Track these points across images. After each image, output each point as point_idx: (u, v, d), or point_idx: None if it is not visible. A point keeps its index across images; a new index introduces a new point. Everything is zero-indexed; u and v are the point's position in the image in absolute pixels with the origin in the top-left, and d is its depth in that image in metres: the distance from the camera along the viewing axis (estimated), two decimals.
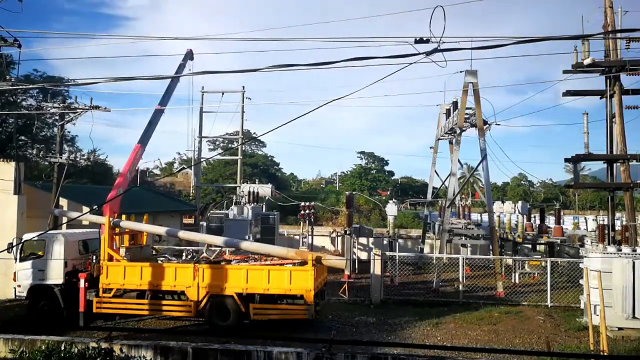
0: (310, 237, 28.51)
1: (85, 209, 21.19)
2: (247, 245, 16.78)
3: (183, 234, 18.08)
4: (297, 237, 30.50)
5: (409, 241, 33.43)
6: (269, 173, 66.64)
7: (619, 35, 17.23)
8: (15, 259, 16.19)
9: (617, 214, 23.38)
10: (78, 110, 21.24)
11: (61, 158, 20.91)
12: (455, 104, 22.61)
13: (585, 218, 37.61)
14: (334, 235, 29.95)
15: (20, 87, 23.43)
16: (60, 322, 15.64)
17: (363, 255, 27.54)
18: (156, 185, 55.27)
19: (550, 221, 29.35)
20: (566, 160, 20.18)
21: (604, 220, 20.98)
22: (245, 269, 14.74)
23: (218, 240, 17.32)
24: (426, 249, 30.06)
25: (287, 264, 15.18)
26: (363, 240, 28.84)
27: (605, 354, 11.51)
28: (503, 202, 31.82)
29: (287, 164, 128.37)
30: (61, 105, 22.62)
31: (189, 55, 24.01)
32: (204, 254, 17.31)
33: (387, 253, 23.51)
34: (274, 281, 14.46)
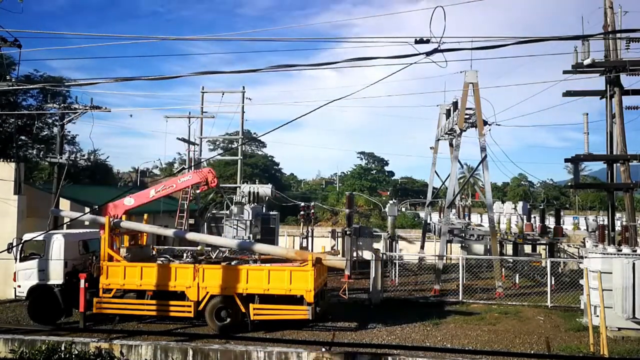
0: (310, 238, 28.49)
1: (86, 209, 21.18)
2: (259, 247, 16.65)
3: (192, 236, 17.94)
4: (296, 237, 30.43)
5: (409, 241, 33.42)
6: (269, 173, 66.65)
7: (619, 35, 17.23)
8: (16, 259, 16.17)
9: (617, 215, 23.37)
10: (78, 110, 21.26)
11: (61, 158, 20.90)
12: (455, 104, 22.59)
13: (585, 219, 37.63)
14: (333, 246, 29.67)
15: (21, 87, 23.43)
16: (60, 322, 15.65)
17: (364, 256, 27.51)
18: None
19: (551, 221, 29.36)
20: (566, 160, 20.19)
21: (603, 220, 20.99)
22: (245, 270, 14.73)
23: (232, 242, 17.28)
24: (426, 250, 30.05)
25: (288, 264, 15.18)
26: (367, 253, 28.59)
27: (605, 355, 11.52)
28: (503, 202, 31.81)
29: (288, 164, 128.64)
30: (61, 105, 22.64)
31: None
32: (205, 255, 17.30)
33: (387, 253, 23.54)
34: (274, 281, 14.44)
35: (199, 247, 18.73)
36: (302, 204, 28.97)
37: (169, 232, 18.08)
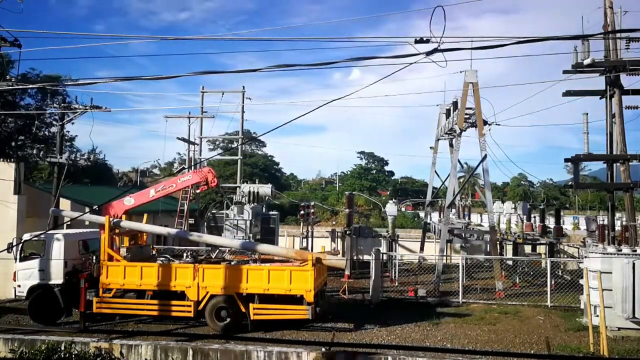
0: (310, 238, 28.50)
1: (86, 209, 21.17)
2: (261, 247, 16.63)
3: (193, 237, 17.84)
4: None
5: (408, 241, 33.40)
6: (269, 173, 66.70)
7: (618, 35, 17.22)
8: (15, 259, 16.17)
9: (617, 214, 23.37)
10: (78, 110, 21.25)
11: (61, 158, 20.89)
12: (455, 104, 22.59)
13: (586, 219, 37.55)
14: (334, 248, 29.65)
15: (21, 87, 23.42)
16: (60, 322, 15.65)
17: (364, 257, 27.53)
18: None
19: (551, 221, 29.37)
20: (566, 160, 20.18)
21: (603, 220, 20.99)
22: (245, 269, 14.73)
23: (234, 242, 17.21)
24: (426, 250, 30.04)
25: (288, 264, 15.18)
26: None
27: (605, 355, 11.53)
28: (503, 202, 31.78)
29: (288, 164, 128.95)
30: (61, 105, 22.63)
31: None
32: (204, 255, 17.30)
33: (387, 253, 23.54)
34: (274, 281, 14.44)
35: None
36: (302, 203, 28.97)
37: (170, 232, 18.07)
